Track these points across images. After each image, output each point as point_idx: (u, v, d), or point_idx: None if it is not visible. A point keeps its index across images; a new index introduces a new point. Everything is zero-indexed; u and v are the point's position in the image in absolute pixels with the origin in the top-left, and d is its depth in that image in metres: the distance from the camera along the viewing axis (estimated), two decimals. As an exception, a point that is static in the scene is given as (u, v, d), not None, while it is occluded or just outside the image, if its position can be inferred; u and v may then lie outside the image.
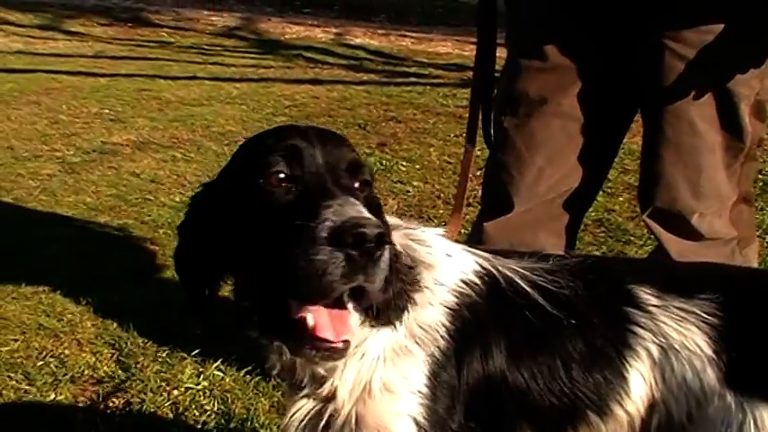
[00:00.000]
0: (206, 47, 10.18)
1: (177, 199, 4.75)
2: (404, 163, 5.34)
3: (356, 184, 1.42)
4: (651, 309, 1.56)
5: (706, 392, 1.52)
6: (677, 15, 2.08)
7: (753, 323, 1.55)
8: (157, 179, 5.12)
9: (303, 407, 1.56)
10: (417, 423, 1.50)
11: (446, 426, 1.52)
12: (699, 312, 1.55)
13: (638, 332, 1.55)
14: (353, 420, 1.51)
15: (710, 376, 1.52)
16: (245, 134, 6.19)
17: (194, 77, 8.10)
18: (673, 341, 1.54)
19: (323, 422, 1.54)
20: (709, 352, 1.53)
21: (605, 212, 4.49)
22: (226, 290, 3.85)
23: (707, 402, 1.52)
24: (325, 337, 1.34)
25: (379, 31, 12.18)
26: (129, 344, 3.15)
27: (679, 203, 2.21)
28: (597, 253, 4.08)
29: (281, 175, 1.38)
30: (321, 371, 1.50)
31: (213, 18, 12.62)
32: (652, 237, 2.49)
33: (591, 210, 4.54)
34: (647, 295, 1.58)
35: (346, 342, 1.36)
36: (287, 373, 1.56)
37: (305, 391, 1.55)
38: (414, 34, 11.57)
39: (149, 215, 4.51)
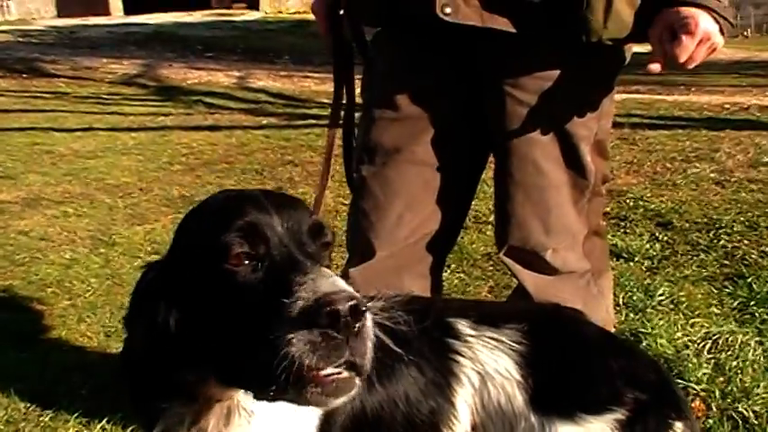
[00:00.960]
0: (104, 96, 10.02)
1: (67, 256, 4.64)
2: (297, 206, 5.36)
3: (320, 248, 1.39)
4: (468, 338, 1.68)
5: (516, 415, 1.63)
6: (515, 63, 2.18)
7: (550, 348, 1.69)
8: (47, 236, 4.99)
9: None
10: None
11: None
12: (507, 340, 1.68)
13: (460, 360, 1.67)
14: None
15: (519, 399, 1.64)
16: (140, 185, 6.12)
17: (90, 128, 7.96)
18: (488, 367, 1.66)
19: None
20: (518, 376, 1.66)
21: (494, 246, 4.59)
22: (113, 344, 3.71)
23: (517, 424, 1.63)
24: (329, 372, 1.24)
25: (282, 73, 12.25)
26: (9, 410, 3.04)
27: (532, 241, 2.29)
28: (485, 287, 4.19)
29: (245, 257, 1.31)
30: None
31: (113, 66, 12.46)
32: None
33: (480, 244, 4.68)
34: (463, 327, 1.70)
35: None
36: None
37: None
38: (317, 75, 11.66)
39: (37, 274, 4.38)
